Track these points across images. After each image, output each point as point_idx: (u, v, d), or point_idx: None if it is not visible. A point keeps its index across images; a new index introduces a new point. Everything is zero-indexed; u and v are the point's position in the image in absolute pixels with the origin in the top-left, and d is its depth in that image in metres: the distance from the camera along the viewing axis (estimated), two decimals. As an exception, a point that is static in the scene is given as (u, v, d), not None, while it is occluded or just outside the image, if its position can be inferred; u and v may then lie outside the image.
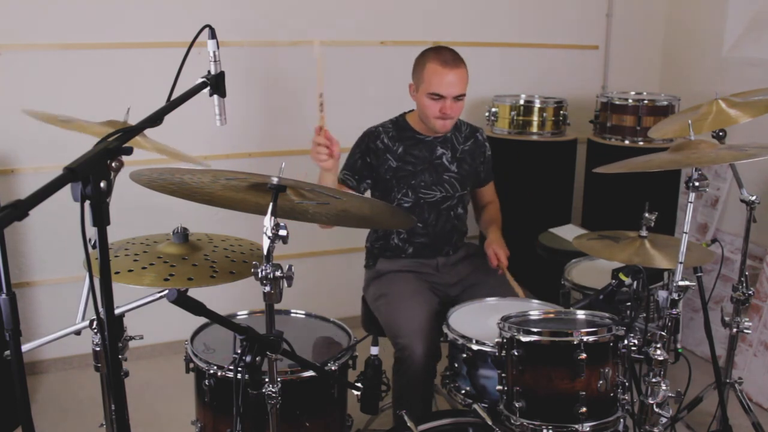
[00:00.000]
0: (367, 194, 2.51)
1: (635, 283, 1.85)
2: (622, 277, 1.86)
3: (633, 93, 3.61)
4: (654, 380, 1.79)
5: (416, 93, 2.38)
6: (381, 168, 2.41)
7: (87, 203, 1.04)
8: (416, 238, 2.47)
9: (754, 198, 2.27)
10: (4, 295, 1.19)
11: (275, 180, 1.47)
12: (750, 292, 2.33)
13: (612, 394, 1.70)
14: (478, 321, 2.09)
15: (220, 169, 1.48)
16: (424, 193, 2.44)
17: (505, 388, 1.75)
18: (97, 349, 1.67)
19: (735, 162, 2.22)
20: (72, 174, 1.01)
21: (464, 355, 1.94)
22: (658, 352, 1.77)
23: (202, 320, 1.94)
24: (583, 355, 1.64)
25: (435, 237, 2.48)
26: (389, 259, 2.50)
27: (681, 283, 1.81)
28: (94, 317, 1.58)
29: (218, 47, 1.64)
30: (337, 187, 2.34)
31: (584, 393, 1.66)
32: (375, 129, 2.46)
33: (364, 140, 2.44)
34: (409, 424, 1.82)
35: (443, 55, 2.32)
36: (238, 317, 2.20)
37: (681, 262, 1.79)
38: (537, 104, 3.47)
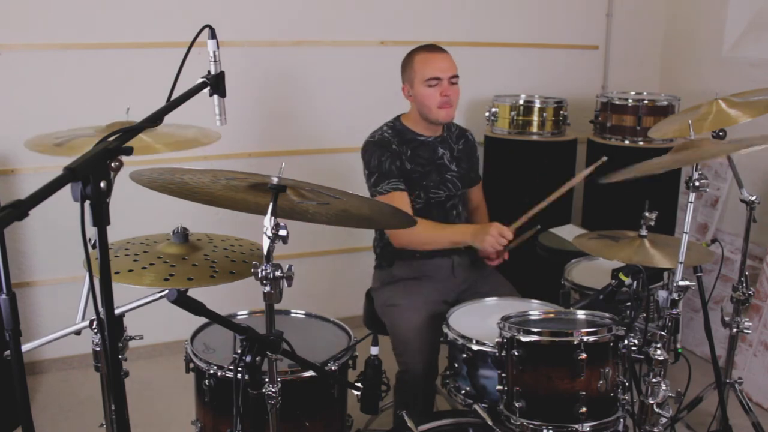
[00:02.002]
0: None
1: (635, 283, 1.85)
2: (622, 277, 1.85)
3: (633, 93, 3.61)
4: (654, 380, 1.79)
5: (412, 90, 2.39)
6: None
7: (87, 203, 1.04)
8: None
9: (754, 198, 2.27)
10: (4, 295, 1.19)
11: (275, 180, 1.47)
12: (750, 292, 2.33)
13: (612, 394, 1.70)
14: (478, 321, 2.09)
15: (220, 169, 1.48)
16: (433, 194, 2.44)
17: (505, 388, 1.75)
18: (97, 349, 1.68)
19: (733, 155, 2.22)
20: (72, 174, 1.01)
21: (464, 355, 1.94)
22: (658, 352, 1.77)
23: (202, 320, 1.94)
24: (583, 355, 1.64)
25: None
26: (406, 261, 2.45)
27: (681, 283, 1.81)
28: (94, 317, 1.58)
29: (218, 47, 1.63)
30: (390, 199, 2.29)
31: (584, 393, 1.65)
32: (380, 137, 2.40)
33: (380, 149, 2.36)
34: (409, 424, 1.82)
35: (427, 45, 2.42)
36: (238, 317, 2.20)
37: (681, 262, 1.79)
38: (537, 104, 3.47)
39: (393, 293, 2.42)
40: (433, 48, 2.40)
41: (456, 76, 2.37)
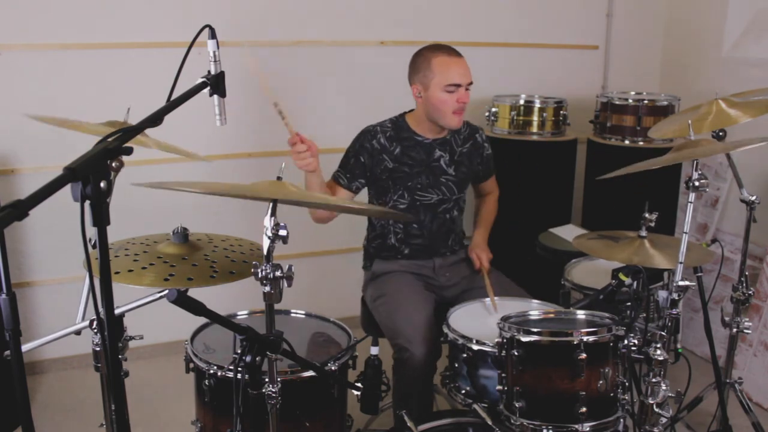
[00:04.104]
0: (363, 193, 2.50)
1: (635, 283, 1.85)
2: (622, 277, 1.85)
3: (633, 93, 3.61)
4: (654, 380, 1.79)
5: (426, 92, 2.33)
6: (376, 168, 2.39)
7: (87, 203, 1.04)
8: (412, 239, 2.46)
9: (754, 198, 2.27)
10: (4, 295, 1.19)
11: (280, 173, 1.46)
12: (750, 292, 2.33)
13: (612, 394, 1.70)
14: (478, 321, 2.09)
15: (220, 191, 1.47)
16: (420, 195, 2.43)
17: (505, 388, 1.75)
18: (97, 349, 1.68)
19: (733, 154, 2.22)
20: (72, 174, 1.01)
21: (464, 355, 1.94)
22: (658, 352, 1.77)
23: (202, 320, 1.94)
24: (583, 355, 1.64)
25: (431, 238, 2.47)
26: (386, 260, 2.49)
27: (681, 283, 1.81)
28: (94, 317, 1.58)
29: (218, 47, 1.64)
30: (328, 186, 2.36)
31: (584, 393, 1.65)
32: (372, 128, 2.43)
33: (360, 139, 2.42)
34: (409, 424, 1.82)
35: (445, 48, 2.35)
36: (238, 317, 2.20)
37: (681, 262, 1.79)
38: (537, 104, 3.47)
39: (376, 287, 2.44)
40: (451, 51, 2.34)
41: (471, 83, 2.34)
